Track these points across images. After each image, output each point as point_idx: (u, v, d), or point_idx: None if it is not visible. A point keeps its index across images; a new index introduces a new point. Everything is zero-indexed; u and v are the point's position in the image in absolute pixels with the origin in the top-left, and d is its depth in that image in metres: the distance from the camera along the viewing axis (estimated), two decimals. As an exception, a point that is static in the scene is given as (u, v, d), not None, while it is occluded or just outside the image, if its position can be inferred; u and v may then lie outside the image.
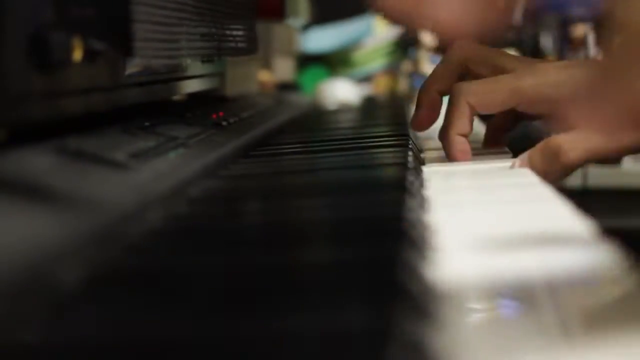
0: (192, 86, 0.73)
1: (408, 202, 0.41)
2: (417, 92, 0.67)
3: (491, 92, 0.61)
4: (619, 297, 0.29)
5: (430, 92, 0.65)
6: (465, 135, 0.62)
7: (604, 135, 0.48)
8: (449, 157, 0.62)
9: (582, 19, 1.46)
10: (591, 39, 1.45)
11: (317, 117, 1.12)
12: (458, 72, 0.64)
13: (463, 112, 0.61)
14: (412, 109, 0.69)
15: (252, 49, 0.84)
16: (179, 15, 0.60)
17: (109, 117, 0.52)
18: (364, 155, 0.64)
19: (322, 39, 1.55)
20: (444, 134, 0.63)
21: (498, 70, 0.63)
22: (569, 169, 0.57)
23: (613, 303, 0.28)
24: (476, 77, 0.64)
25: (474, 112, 0.61)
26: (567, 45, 1.47)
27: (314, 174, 0.58)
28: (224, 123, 0.68)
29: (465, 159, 0.61)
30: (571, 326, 0.26)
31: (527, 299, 0.29)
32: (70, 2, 0.44)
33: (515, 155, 0.60)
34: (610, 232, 0.35)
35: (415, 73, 1.39)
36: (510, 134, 0.69)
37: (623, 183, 0.98)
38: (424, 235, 0.36)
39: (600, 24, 1.44)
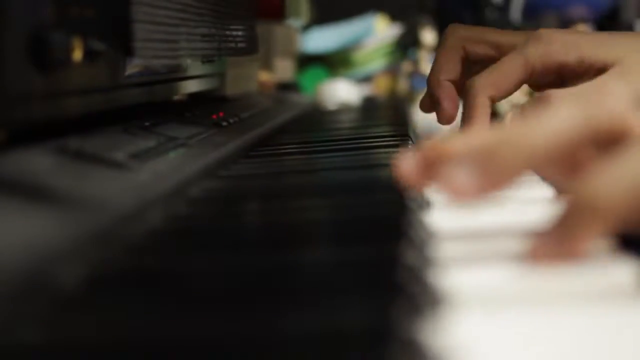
0: (192, 86, 0.73)
1: (408, 202, 0.41)
2: (428, 86, 0.66)
3: (504, 77, 0.61)
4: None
5: (442, 83, 0.65)
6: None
7: None
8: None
9: (583, 19, 1.46)
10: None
11: (317, 117, 1.12)
12: (459, 56, 0.64)
13: (483, 108, 0.61)
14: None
15: (253, 49, 0.84)
16: (180, 15, 0.60)
17: (109, 117, 0.52)
18: (364, 156, 0.64)
19: (322, 39, 1.55)
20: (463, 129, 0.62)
21: (495, 47, 0.63)
22: None
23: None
24: (476, 58, 0.64)
25: (492, 103, 0.61)
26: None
27: (314, 174, 0.58)
28: (224, 123, 0.68)
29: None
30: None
31: (526, 299, 0.29)
32: (70, 2, 0.44)
33: None
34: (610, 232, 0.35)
35: (415, 73, 1.39)
36: None
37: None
38: (424, 236, 0.36)
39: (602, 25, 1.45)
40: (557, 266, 0.31)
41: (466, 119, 0.61)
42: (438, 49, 0.66)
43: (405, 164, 0.34)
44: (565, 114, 0.33)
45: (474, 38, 0.64)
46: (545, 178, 0.37)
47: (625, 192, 0.31)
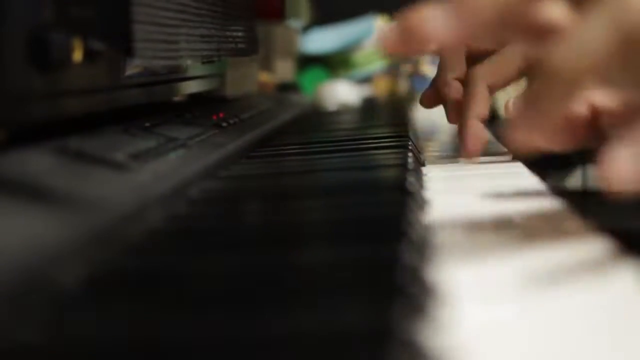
0: (192, 87, 0.73)
1: (408, 203, 0.41)
2: (436, 86, 0.67)
3: (504, 65, 0.62)
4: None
5: (453, 84, 0.65)
6: (482, 119, 0.62)
7: None
8: (461, 140, 0.62)
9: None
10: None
11: (317, 118, 1.12)
12: (463, 53, 0.65)
13: (482, 95, 0.62)
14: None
15: (253, 50, 0.84)
16: (180, 16, 0.60)
17: (109, 117, 0.52)
18: (364, 157, 0.64)
19: (322, 40, 1.55)
20: (460, 118, 0.63)
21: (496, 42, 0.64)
22: None
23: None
24: (479, 53, 0.65)
25: (492, 93, 0.63)
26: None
27: (314, 175, 0.58)
28: (224, 124, 0.68)
29: (477, 145, 0.62)
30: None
31: (526, 297, 0.29)
32: (70, 2, 0.44)
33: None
34: (610, 232, 0.35)
35: (415, 74, 1.39)
36: None
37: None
38: (424, 236, 0.36)
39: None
40: (536, 143, 0.33)
41: (465, 107, 0.62)
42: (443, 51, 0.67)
43: (386, 33, 0.36)
44: None
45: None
46: (517, 41, 0.39)
47: (584, 57, 0.32)
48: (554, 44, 0.33)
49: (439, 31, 0.35)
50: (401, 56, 0.41)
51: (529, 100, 0.34)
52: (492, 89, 0.63)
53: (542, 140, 0.34)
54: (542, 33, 0.36)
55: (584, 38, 0.33)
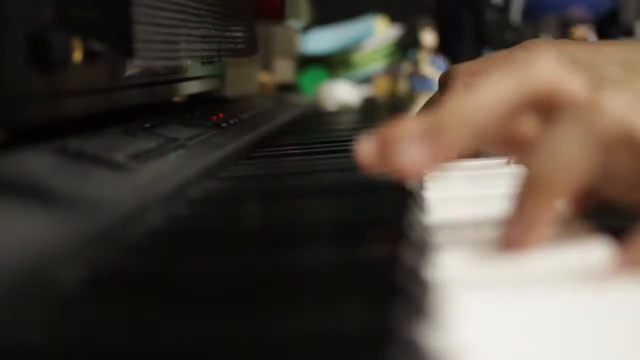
0: (192, 87, 0.73)
1: (408, 203, 0.41)
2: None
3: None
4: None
5: None
6: None
7: None
8: None
9: (582, 20, 1.46)
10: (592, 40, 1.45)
11: (317, 118, 1.12)
12: None
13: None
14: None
15: (252, 50, 0.84)
16: (179, 16, 0.60)
17: (109, 118, 0.52)
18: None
19: (322, 40, 1.55)
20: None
21: None
22: None
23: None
24: None
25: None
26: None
27: (314, 176, 0.58)
28: (224, 124, 0.68)
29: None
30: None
31: (525, 298, 0.29)
32: (70, 2, 0.44)
33: None
34: (609, 232, 0.35)
35: (415, 74, 1.39)
36: None
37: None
38: (424, 236, 0.36)
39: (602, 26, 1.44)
40: (528, 249, 0.33)
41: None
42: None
43: (363, 148, 0.36)
44: (497, 84, 0.35)
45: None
46: (495, 154, 0.39)
47: (562, 166, 0.33)
48: (530, 156, 0.34)
49: (414, 160, 0.34)
50: (378, 171, 0.40)
51: (516, 205, 0.34)
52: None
53: (534, 237, 0.34)
54: (519, 146, 0.36)
55: (559, 146, 0.33)
